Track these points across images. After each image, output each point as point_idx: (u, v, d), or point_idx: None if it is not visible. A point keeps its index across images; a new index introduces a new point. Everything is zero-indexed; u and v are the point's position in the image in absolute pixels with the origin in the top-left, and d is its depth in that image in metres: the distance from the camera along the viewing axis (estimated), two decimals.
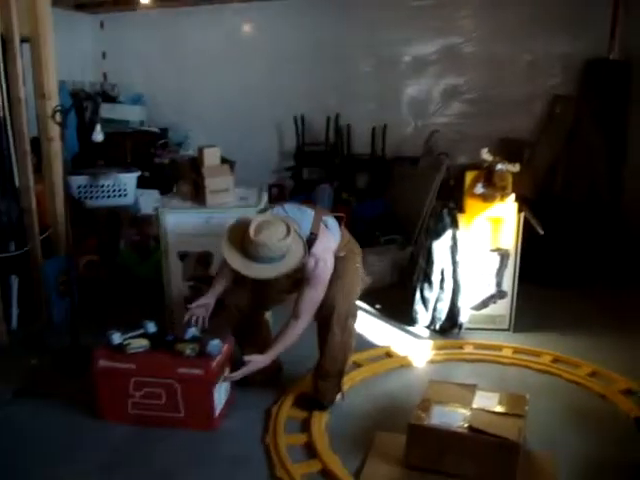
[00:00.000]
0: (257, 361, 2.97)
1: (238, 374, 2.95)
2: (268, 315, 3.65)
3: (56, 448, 2.90)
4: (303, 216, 3.04)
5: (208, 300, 3.15)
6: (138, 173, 5.43)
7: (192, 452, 2.85)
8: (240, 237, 2.85)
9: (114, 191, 5.36)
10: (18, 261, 4.02)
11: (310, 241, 2.92)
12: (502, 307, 4.07)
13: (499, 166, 3.84)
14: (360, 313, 4.41)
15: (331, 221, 3.13)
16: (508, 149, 5.77)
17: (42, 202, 4.26)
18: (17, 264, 4.01)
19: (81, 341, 3.74)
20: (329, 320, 3.01)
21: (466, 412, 2.66)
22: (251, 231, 2.77)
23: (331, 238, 3.06)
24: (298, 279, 3.02)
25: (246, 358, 2.96)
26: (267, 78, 6.71)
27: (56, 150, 4.16)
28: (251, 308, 3.26)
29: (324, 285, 2.96)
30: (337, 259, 3.05)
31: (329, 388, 3.14)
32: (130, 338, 2.99)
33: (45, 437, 2.99)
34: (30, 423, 3.12)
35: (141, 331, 3.05)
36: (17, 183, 3.99)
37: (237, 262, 2.84)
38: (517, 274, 4.01)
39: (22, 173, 4.00)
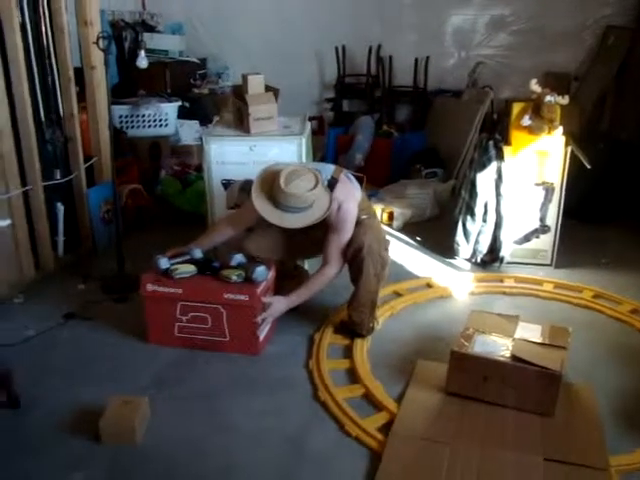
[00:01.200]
0: (278, 304, 3.04)
1: (262, 317, 2.99)
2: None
3: (104, 368, 3.00)
4: (324, 166, 3.12)
5: (185, 250, 3.14)
6: (179, 103, 5.43)
7: (237, 375, 2.92)
8: (268, 188, 2.91)
9: (155, 121, 5.38)
10: (63, 189, 4.08)
11: (331, 185, 2.98)
12: (545, 242, 4.03)
13: (548, 97, 3.74)
14: (401, 245, 4.49)
15: (353, 178, 3.16)
16: (555, 82, 5.61)
17: (86, 131, 4.29)
18: (62, 192, 4.07)
19: (125, 267, 3.82)
20: (360, 254, 2.99)
21: (508, 342, 2.68)
22: (282, 181, 2.81)
23: (353, 187, 3.08)
24: (326, 227, 3.03)
25: (266, 300, 3.00)
26: (308, 7, 6.56)
27: (99, 78, 4.16)
28: (284, 260, 3.34)
29: (349, 230, 2.99)
30: (359, 222, 3.06)
31: (364, 319, 3.16)
32: (177, 263, 3.04)
33: (94, 358, 3.09)
34: (80, 345, 3.22)
35: (187, 257, 3.09)
36: (61, 111, 4.01)
37: (269, 213, 2.89)
38: (561, 209, 3.96)
39: (66, 102, 4.00)
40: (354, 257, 3.02)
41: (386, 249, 3.13)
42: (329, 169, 3.09)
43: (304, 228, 3.06)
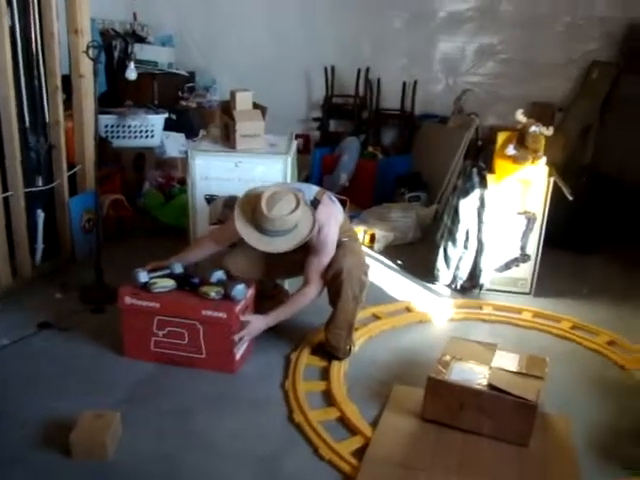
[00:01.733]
0: (257, 323, 3.03)
1: (239, 336, 2.96)
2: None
3: (78, 381, 2.95)
4: (307, 187, 3.13)
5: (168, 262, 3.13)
6: (165, 115, 5.42)
7: (212, 393, 2.89)
8: (251, 212, 2.89)
9: (141, 132, 5.36)
10: (45, 196, 4.04)
11: (314, 205, 2.97)
12: (525, 270, 4.05)
13: (533, 128, 3.78)
14: (381, 267, 4.49)
15: (335, 199, 3.15)
16: (539, 113, 5.68)
17: (70, 139, 4.26)
18: (44, 199, 4.03)
19: (104, 278, 3.78)
20: (339, 277, 2.99)
21: (485, 370, 2.68)
22: (263, 206, 2.79)
23: (335, 209, 3.07)
24: (306, 249, 3.02)
25: (245, 318, 2.99)
26: (298, 26, 6.58)
27: (87, 87, 4.13)
28: (263, 280, 3.32)
29: (329, 252, 3.00)
30: (340, 244, 3.07)
31: (341, 341, 3.14)
32: (156, 277, 3.02)
33: (68, 369, 3.05)
34: (54, 355, 3.17)
35: (167, 271, 3.06)
36: (47, 119, 3.98)
37: (254, 239, 2.88)
38: (542, 238, 3.98)
39: (52, 109, 3.97)
40: (333, 280, 3.02)
41: (365, 273, 3.12)
42: (312, 190, 3.09)
43: None
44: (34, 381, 2.94)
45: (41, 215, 3.97)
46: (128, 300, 3.00)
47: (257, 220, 2.85)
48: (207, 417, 2.72)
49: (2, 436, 2.54)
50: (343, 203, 3.19)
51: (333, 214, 3.04)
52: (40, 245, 4.01)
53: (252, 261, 3.20)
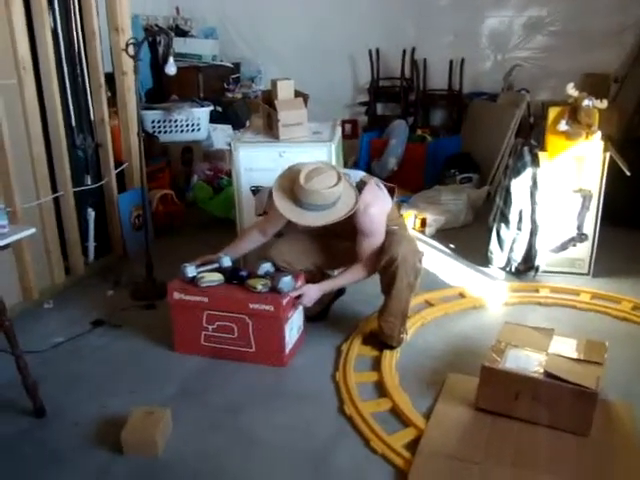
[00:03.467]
0: (311, 291, 3.01)
1: (300, 303, 3.01)
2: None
3: (130, 377, 2.98)
4: (354, 171, 3.06)
5: (213, 259, 3.10)
6: (211, 108, 5.43)
7: (262, 387, 2.87)
8: (290, 186, 2.81)
9: (187, 126, 5.39)
10: (94, 195, 4.09)
11: (359, 188, 2.88)
12: (582, 250, 3.90)
13: (586, 102, 3.63)
14: (433, 252, 4.40)
15: (383, 187, 3.06)
16: (593, 85, 5.47)
17: (117, 136, 4.30)
18: (93, 198, 4.08)
19: (155, 274, 3.81)
20: (394, 264, 2.91)
21: (542, 357, 2.58)
22: (301, 178, 2.71)
23: (382, 195, 2.99)
24: (354, 234, 2.97)
25: (297, 292, 2.97)
26: (342, 10, 6.51)
27: (130, 84, 4.17)
28: (312, 269, 3.23)
29: (379, 234, 2.94)
30: (390, 232, 3.00)
31: (394, 330, 3.08)
32: (204, 272, 3.01)
33: (120, 366, 3.08)
34: (107, 352, 3.21)
35: (216, 265, 3.05)
36: (92, 117, 4.02)
37: (289, 211, 2.79)
38: (599, 216, 3.83)
39: (97, 107, 4.02)
40: (387, 267, 2.94)
41: (420, 260, 3.03)
42: (358, 174, 3.02)
43: (331, 236, 3.02)
44: (87, 378, 2.98)
45: (91, 213, 4.03)
46: (176, 295, 3.00)
47: (295, 193, 2.76)
48: (257, 412, 2.70)
49: (55, 433, 2.58)
50: (391, 191, 3.10)
51: (380, 198, 2.95)
52: (92, 243, 4.07)
53: (298, 251, 3.17)
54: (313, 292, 3.02)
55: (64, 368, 3.07)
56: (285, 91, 3.62)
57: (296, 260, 3.16)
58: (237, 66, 6.78)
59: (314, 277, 3.24)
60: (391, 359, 3.03)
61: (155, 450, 2.40)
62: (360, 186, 2.90)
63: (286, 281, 2.91)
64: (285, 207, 2.80)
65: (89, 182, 4.02)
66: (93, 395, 2.84)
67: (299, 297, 2.99)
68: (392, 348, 3.10)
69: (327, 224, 2.78)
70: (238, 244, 3.21)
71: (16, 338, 2.61)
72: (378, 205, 2.92)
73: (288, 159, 3.51)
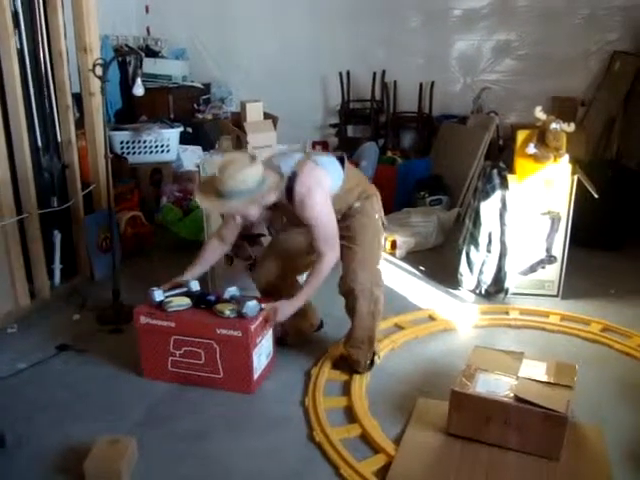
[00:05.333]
0: (284, 308, 2.91)
1: (272, 323, 2.95)
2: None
3: (95, 403, 2.91)
4: (288, 159, 2.90)
5: (183, 280, 3.07)
6: (181, 129, 5.39)
7: (231, 413, 2.81)
8: (212, 181, 2.77)
9: (157, 147, 5.34)
10: (60, 217, 4.02)
11: (291, 180, 2.76)
12: (551, 272, 3.92)
13: (553, 125, 3.67)
14: (403, 274, 4.40)
15: (328, 160, 2.94)
16: (561, 108, 5.57)
17: (84, 158, 4.24)
18: (59, 220, 4.01)
19: (123, 297, 3.75)
20: (353, 293, 2.90)
21: (512, 380, 2.57)
22: (217, 170, 2.68)
23: (321, 175, 2.83)
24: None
25: (269, 307, 2.91)
26: (312, 33, 6.57)
27: (97, 105, 4.12)
28: (278, 276, 3.16)
29: (324, 220, 2.80)
30: (351, 213, 2.95)
31: (361, 355, 3.06)
32: (172, 296, 2.96)
33: (85, 392, 3.00)
34: (72, 378, 3.13)
35: (184, 289, 3.01)
36: (59, 138, 3.96)
37: (207, 201, 2.78)
38: (568, 238, 3.86)
39: (64, 128, 3.96)
40: (347, 295, 2.96)
41: (378, 285, 3.00)
42: (292, 161, 2.86)
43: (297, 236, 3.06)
44: (51, 406, 2.90)
45: (58, 236, 3.95)
46: (143, 320, 2.95)
47: (215, 185, 2.70)
48: (225, 439, 2.64)
49: (16, 464, 2.50)
50: (341, 159, 2.97)
51: (317, 182, 2.80)
52: (58, 266, 3.99)
53: (275, 259, 3.15)
54: (286, 308, 2.93)
55: (27, 395, 2.98)
56: (254, 113, 3.62)
57: (274, 271, 3.14)
58: (207, 87, 6.77)
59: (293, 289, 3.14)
60: (361, 383, 2.99)
61: None
62: (292, 178, 2.78)
63: (251, 306, 2.86)
64: (207, 200, 2.77)
65: (55, 204, 3.94)
66: (56, 423, 2.76)
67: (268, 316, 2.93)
68: (359, 373, 3.07)
69: (245, 209, 2.74)
70: (202, 258, 3.14)
71: None
72: (315, 193, 2.76)
73: None
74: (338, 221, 2.90)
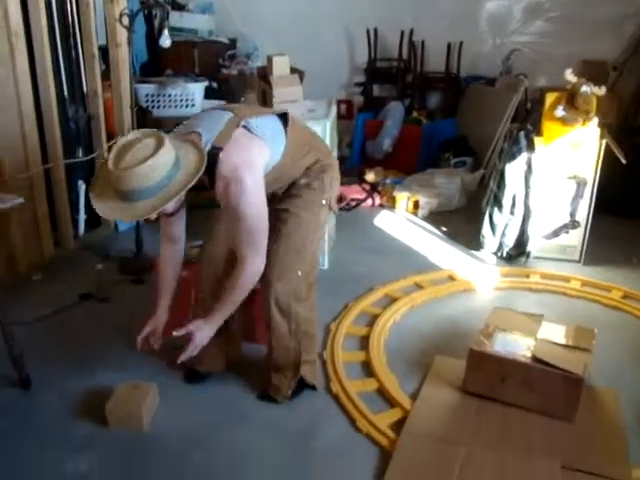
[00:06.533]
0: (201, 332, 2.30)
1: (188, 353, 2.30)
2: None
3: (116, 351, 2.96)
4: (212, 123, 2.17)
5: (158, 320, 2.51)
6: (206, 83, 5.35)
7: (249, 362, 2.84)
8: (106, 178, 2.03)
9: (181, 101, 5.30)
10: (85, 167, 4.05)
11: (212, 157, 2.07)
12: (574, 237, 3.90)
13: (584, 88, 3.60)
14: (424, 234, 4.39)
15: (265, 121, 2.26)
16: (592, 72, 5.43)
17: (110, 109, 4.25)
18: (84, 170, 4.04)
19: (145, 248, 3.79)
20: (267, 303, 2.40)
21: (530, 342, 2.57)
22: (110, 161, 1.95)
23: (255, 146, 2.18)
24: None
25: (178, 333, 2.29)
26: None
27: (123, 56, 4.11)
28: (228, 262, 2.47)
29: (254, 211, 2.15)
30: (291, 193, 2.40)
31: (282, 382, 2.56)
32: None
33: (106, 340, 3.06)
34: (94, 326, 3.19)
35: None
36: (85, 89, 3.97)
37: (108, 209, 2.02)
38: (593, 204, 3.82)
39: (90, 79, 3.97)
40: (263, 300, 2.43)
41: (299, 299, 2.42)
42: (215, 127, 2.14)
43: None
44: (74, 351, 2.96)
45: (82, 186, 3.99)
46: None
47: (112, 183, 1.98)
48: (243, 387, 2.69)
49: (40, 405, 2.57)
50: (284, 118, 2.33)
51: (246, 161, 2.12)
52: (82, 216, 4.03)
53: (219, 251, 2.55)
54: (204, 331, 2.31)
55: (50, 340, 3.05)
56: (281, 67, 3.59)
57: (220, 253, 2.54)
58: (233, 42, 6.68)
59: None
60: (379, 339, 3.02)
61: (141, 424, 2.39)
62: (214, 153, 2.09)
63: None
64: (107, 206, 2.02)
65: (80, 154, 3.98)
66: (79, 368, 2.82)
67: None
68: (278, 403, 2.57)
69: (157, 211, 1.99)
70: (162, 281, 2.53)
71: (3, 308, 2.59)
72: (243, 178, 2.09)
73: None
74: (270, 201, 2.28)
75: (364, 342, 3.02)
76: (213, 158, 2.07)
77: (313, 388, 2.63)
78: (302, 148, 2.37)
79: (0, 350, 2.65)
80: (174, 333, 2.29)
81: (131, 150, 1.95)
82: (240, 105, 2.28)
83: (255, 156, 2.16)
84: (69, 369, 2.82)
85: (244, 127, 2.17)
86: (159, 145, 1.94)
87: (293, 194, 2.42)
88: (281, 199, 2.43)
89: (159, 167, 1.94)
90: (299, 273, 2.41)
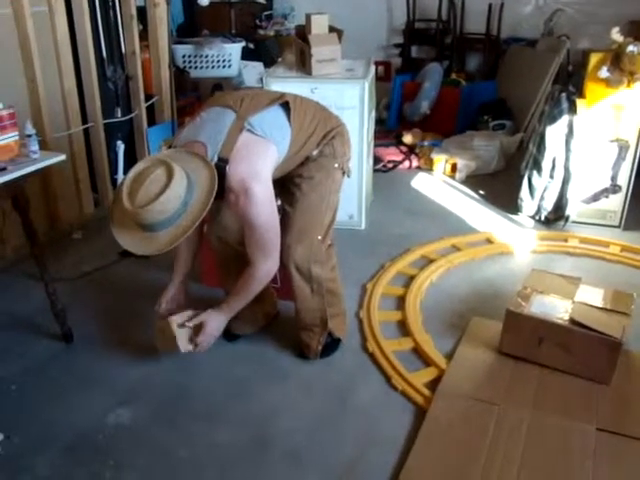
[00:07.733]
0: (213, 322, 2.42)
1: (204, 345, 2.43)
2: None
3: (151, 307, 3.00)
4: (216, 132, 2.15)
5: (175, 290, 2.62)
6: (242, 44, 5.34)
7: (287, 320, 2.87)
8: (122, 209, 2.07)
9: (218, 62, 5.30)
10: (124, 127, 4.09)
11: (221, 170, 2.09)
12: (614, 202, 3.82)
13: (630, 47, 3.49)
14: (462, 197, 4.35)
15: (268, 117, 2.24)
16: (638, 33, 5.29)
17: (147, 70, 4.26)
18: (123, 130, 4.08)
19: None
20: (288, 269, 2.45)
21: (568, 304, 2.56)
22: (124, 198, 1.99)
23: (261, 150, 2.18)
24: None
25: (191, 323, 2.42)
26: None
27: (161, 16, 4.11)
28: (238, 242, 2.53)
29: (265, 219, 2.20)
30: (305, 164, 2.40)
31: (312, 339, 2.61)
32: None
33: (147, 297, 3.08)
34: (134, 282, 3.27)
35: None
36: (123, 49, 3.98)
37: (134, 243, 2.13)
38: (635, 168, 3.74)
39: (128, 39, 3.98)
40: (284, 267, 2.46)
41: (317, 261, 2.46)
42: (219, 137, 2.13)
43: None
44: (114, 307, 3.04)
45: (121, 146, 4.03)
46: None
47: (130, 216, 2.04)
48: (281, 345, 2.74)
49: (84, 357, 2.66)
50: (286, 106, 2.30)
51: (253, 171, 2.13)
52: (121, 175, 4.07)
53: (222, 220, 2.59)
54: (217, 321, 2.44)
55: (91, 297, 3.13)
56: (319, 26, 3.55)
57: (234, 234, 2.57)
58: (270, 2, 6.64)
59: None
60: (415, 300, 3.03)
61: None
62: (221, 166, 2.10)
63: None
64: (130, 239, 2.14)
65: (119, 114, 4.01)
66: (118, 323, 2.90)
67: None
68: (309, 359, 2.64)
69: (181, 239, 2.07)
70: (178, 256, 2.61)
71: (46, 265, 2.66)
72: (252, 189, 2.11)
73: (320, 95, 3.44)
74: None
75: (400, 302, 3.03)
76: (220, 171, 2.09)
77: (339, 341, 2.68)
78: (309, 128, 2.35)
79: (44, 305, 2.73)
80: (187, 324, 2.40)
81: (143, 185, 1.98)
82: (241, 96, 2.24)
83: (261, 164, 2.17)
84: (110, 324, 2.90)
85: (248, 130, 2.16)
86: (170, 176, 1.98)
87: (306, 163, 2.41)
88: (295, 171, 2.43)
89: (174, 199, 1.98)
90: (319, 237, 2.44)
